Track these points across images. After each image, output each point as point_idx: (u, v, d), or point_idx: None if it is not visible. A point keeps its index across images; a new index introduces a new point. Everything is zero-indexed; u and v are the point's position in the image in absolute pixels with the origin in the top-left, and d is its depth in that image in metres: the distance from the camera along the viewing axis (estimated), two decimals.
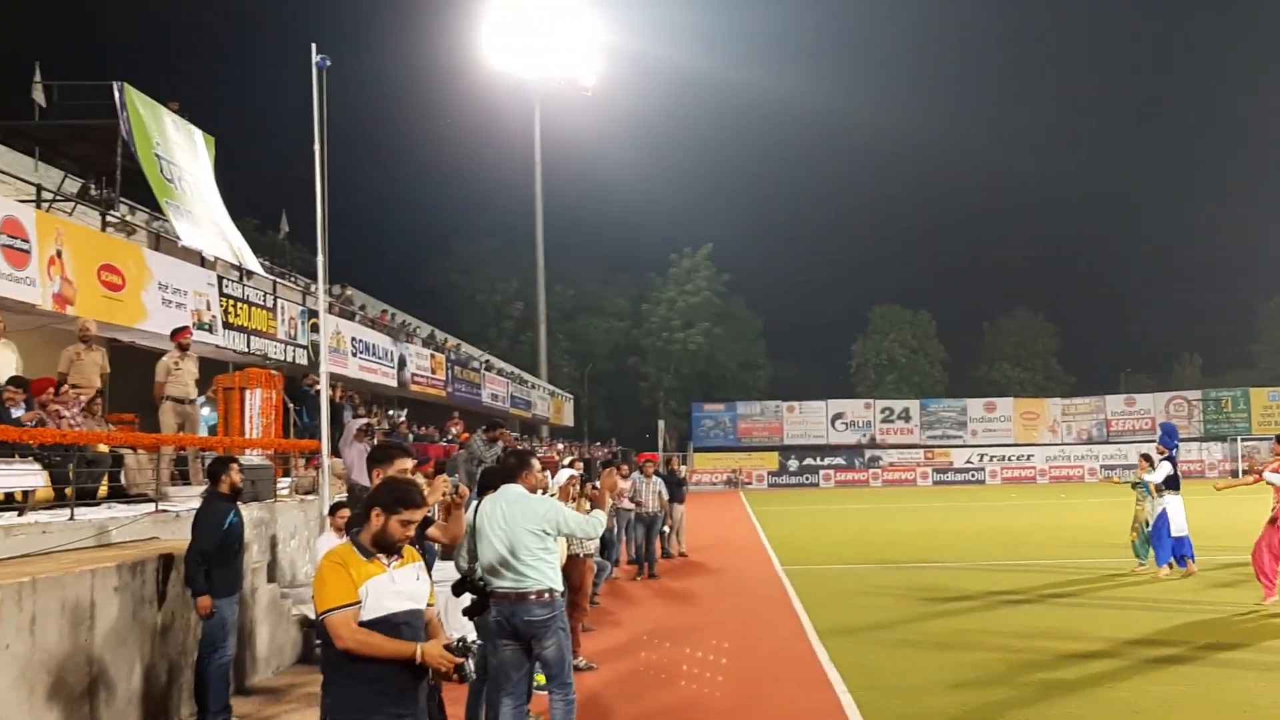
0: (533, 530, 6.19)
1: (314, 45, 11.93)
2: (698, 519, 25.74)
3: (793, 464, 62.12)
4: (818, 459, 62.55)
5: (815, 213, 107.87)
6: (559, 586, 6.30)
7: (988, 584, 14.97)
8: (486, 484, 7.76)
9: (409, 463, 5.41)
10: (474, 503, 6.81)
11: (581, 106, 58.66)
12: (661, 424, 61.50)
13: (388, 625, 4.20)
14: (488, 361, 45.15)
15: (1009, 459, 61.63)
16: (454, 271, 78.37)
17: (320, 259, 12.78)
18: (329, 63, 11.87)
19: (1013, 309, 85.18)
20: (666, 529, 19.03)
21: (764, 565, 18.60)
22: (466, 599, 6.36)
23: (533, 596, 6.12)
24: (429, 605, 4.48)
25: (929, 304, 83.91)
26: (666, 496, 18.30)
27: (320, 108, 11.83)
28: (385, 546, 4.29)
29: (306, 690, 9.21)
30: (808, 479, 60.98)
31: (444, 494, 5.50)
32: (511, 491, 6.42)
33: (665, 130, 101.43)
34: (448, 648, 4.17)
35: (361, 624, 4.16)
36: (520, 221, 63.80)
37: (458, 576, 6.58)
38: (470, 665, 4.19)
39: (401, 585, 4.30)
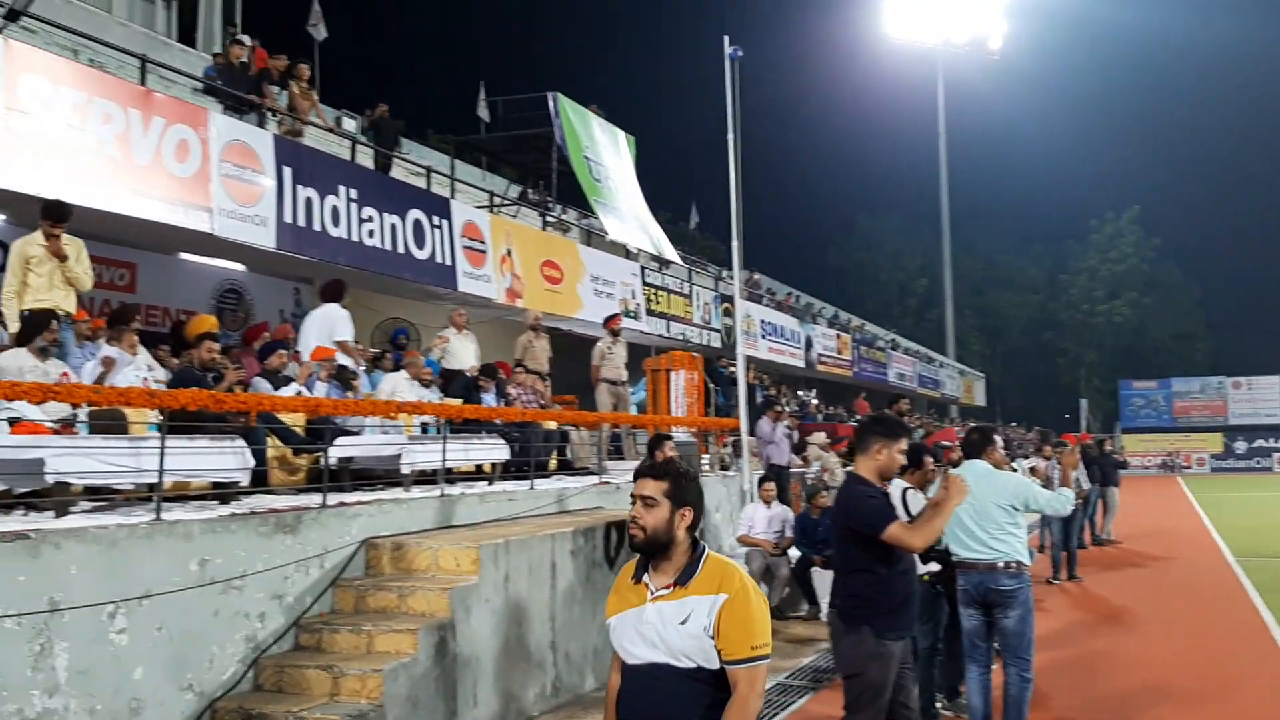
0: (1001, 505, 6.39)
1: (726, 38, 12.41)
2: (1129, 505, 23.82)
3: (1240, 446, 55.63)
4: (1271, 440, 55.52)
5: (1259, 166, 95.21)
6: (1026, 559, 6.42)
7: None
8: (909, 461, 7.76)
9: (905, 444, 4.91)
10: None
11: (987, 70, 56.11)
12: (1084, 403, 57.35)
13: (626, 676, 3.28)
14: (893, 340, 44.52)
15: None
16: (856, 250, 78.03)
17: (735, 245, 13.29)
18: (741, 53, 12.29)
19: None
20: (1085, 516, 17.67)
21: (1212, 555, 16.88)
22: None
23: (1000, 566, 6.30)
24: (733, 663, 3.10)
25: None
26: (1084, 483, 17.06)
27: (734, 99, 12.29)
28: (639, 547, 3.26)
29: None
30: (1259, 462, 54.34)
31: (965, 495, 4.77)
32: (978, 467, 6.62)
33: (1080, 88, 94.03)
34: None
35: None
36: (924, 195, 62.33)
37: None
38: None
39: (650, 627, 3.15)
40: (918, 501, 7.45)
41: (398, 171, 15.63)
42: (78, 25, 13.06)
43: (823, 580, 11.48)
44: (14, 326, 7.40)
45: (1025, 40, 60.57)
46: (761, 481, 11.53)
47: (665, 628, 3.12)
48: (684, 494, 3.24)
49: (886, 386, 35.66)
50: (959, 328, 59.76)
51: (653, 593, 3.19)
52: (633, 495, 3.25)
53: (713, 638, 3.08)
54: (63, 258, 7.57)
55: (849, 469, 5.01)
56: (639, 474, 3.29)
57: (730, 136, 12.71)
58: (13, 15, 9.42)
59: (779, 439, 14.05)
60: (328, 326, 10.35)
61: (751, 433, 13.54)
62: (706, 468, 13.63)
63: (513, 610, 7.49)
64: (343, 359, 10.04)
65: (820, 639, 10.42)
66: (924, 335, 61.50)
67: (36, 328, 6.91)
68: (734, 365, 15.83)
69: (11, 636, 5.00)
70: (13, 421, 6.14)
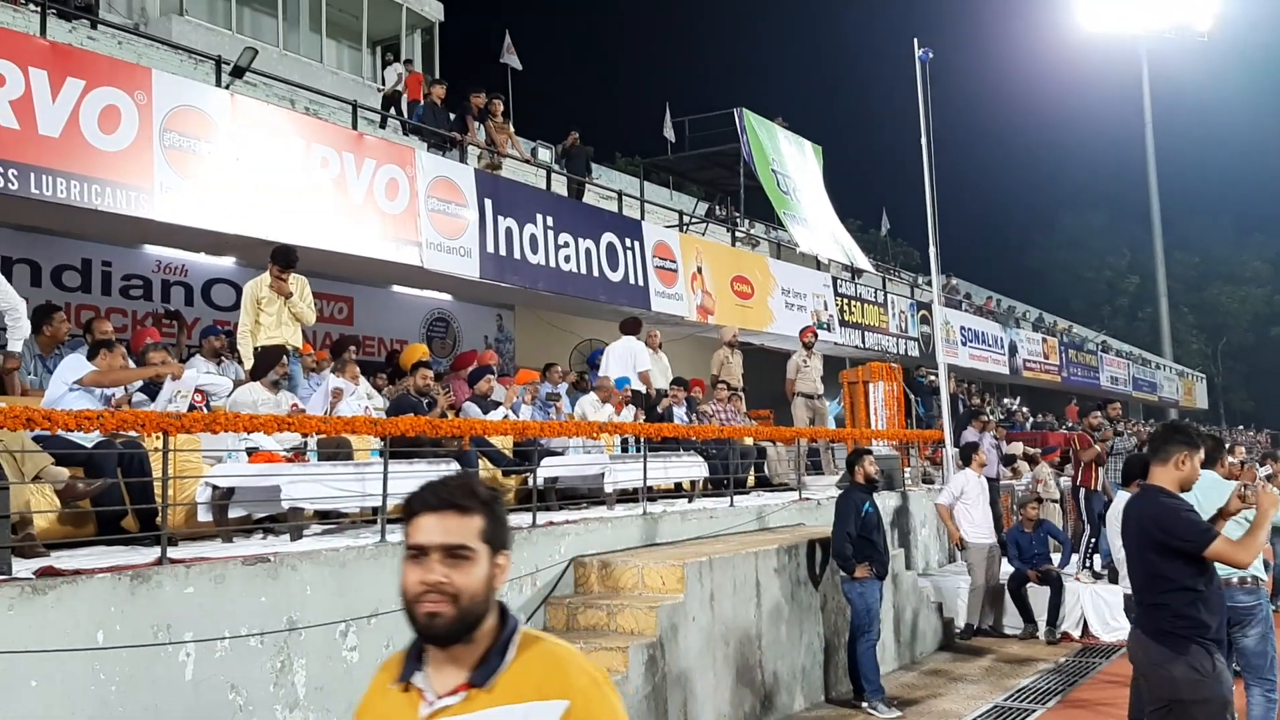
0: (1237, 519, 5.91)
1: (915, 40, 12.14)
2: None
3: None
4: None
5: None
6: (1263, 574, 6.06)
7: None
8: (1131, 474, 7.32)
9: (1203, 454, 4.69)
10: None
11: (1196, 54, 52.83)
12: None
13: None
14: (1104, 342, 42.30)
15: None
16: (1059, 250, 74.48)
17: (932, 250, 12.95)
18: (931, 55, 12.00)
19: None
20: None
21: None
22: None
23: (1235, 581, 5.91)
24: None
25: None
26: None
27: (925, 101, 12.00)
28: (443, 634, 1.93)
29: (951, 675, 9.37)
30: None
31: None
32: (1205, 477, 6.15)
33: None
34: None
35: None
36: (1130, 189, 59.10)
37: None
38: None
39: None
40: None
41: (589, 196, 16.00)
42: (293, 76, 14.02)
43: (1038, 597, 11.00)
44: (249, 363, 7.96)
45: (1237, 18, 56.50)
46: (974, 449, 11.52)
47: None
48: (504, 531, 2.01)
49: (1098, 391, 33.88)
50: (1175, 326, 56.29)
51: (431, 702, 1.94)
52: (416, 546, 1.92)
53: None
54: (288, 295, 8.09)
55: (1143, 481, 4.75)
56: (424, 505, 1.94)
57: (923, 140, 12.43)
58: (238, 72, 10.18)
59: (986, 449, 13.54)
60: (629, 357, 11.30)
61: (956, 444, 13.11)
62: (909, 482, 13.26)
63: (719, 628, 7.49)
64: (639, 385, 11.17)
65: (1038, 659, 9.97)
66: (1137, 336, 58.13)
67: (269, 363, 7.41)
68: (934, 374, 15.39)
69: (255, 654, 5.36)
70: (251, 451, 6.60)
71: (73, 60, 8.09)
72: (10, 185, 7.42)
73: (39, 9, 9.58)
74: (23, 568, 4.87)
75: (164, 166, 8.33)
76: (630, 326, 11.64)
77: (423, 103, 13.66)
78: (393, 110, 16.87)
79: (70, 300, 10.06)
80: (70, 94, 7.83)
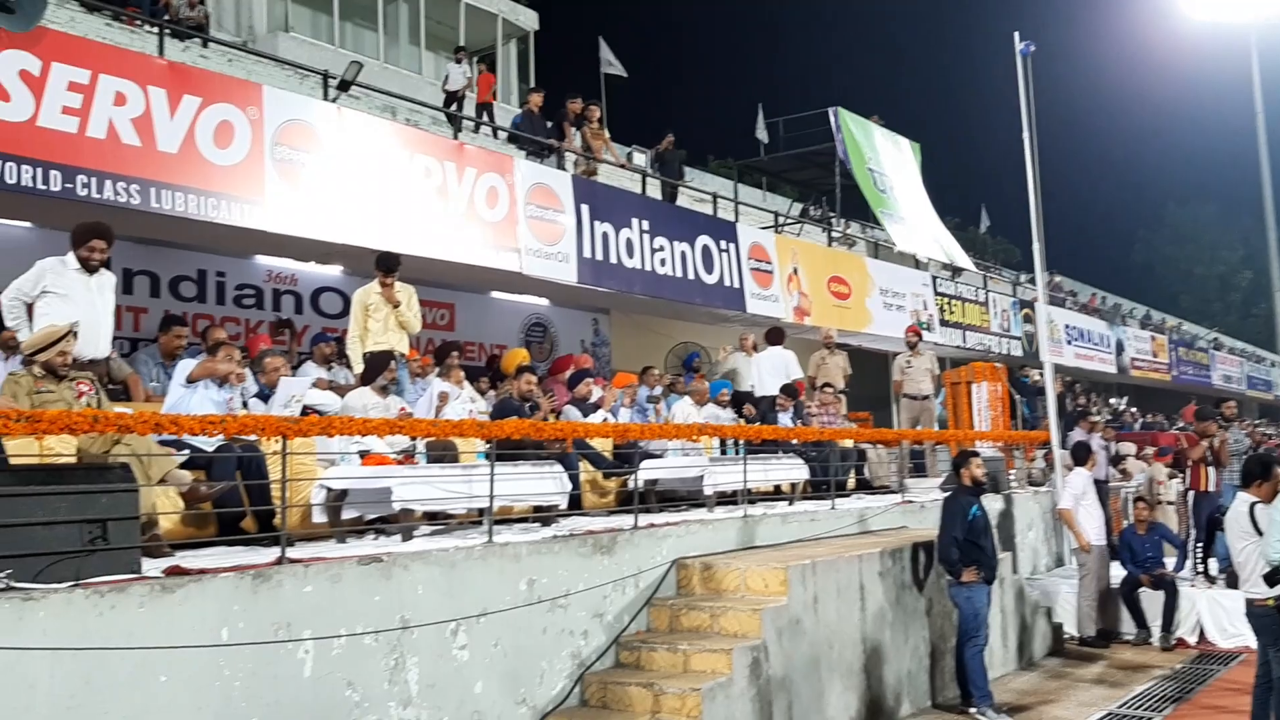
0: None
1: (1016, 34, 11.90)
2: None
3: None
4: None
5: None
6: None
7: None
8: (1250, 475, 7.05)
9: None
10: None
11: None
12: None
13: None
14: (1215, 339, 40.84)
15: None
16: (1167, 245, 72.12)
17: (1036, 247, 12.68)
18: (1033, 48, 11.75)
19: None
20: None
21: None
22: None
23: None
24: None
25: None
26: None
27: (1028, 95, 11.76)
28: None
29: (1063, 681, 9.16)
30: None
31: None
32: None
33: None
34: None
35: None
36: (1243, 180, 56.60)
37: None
38: None
39: None
40: (1266, 517, 6.77)
41: (683, 199, 16.03)
42: (393, 88, 14.33)
43: (1152, 602, 10.68)
44: (358, 368, 8.17)
45: None
46: (1088, 450, 11.32)
47: None
48: None
49: (1210, 390, 32.69)
50: None
51: None
52: None
53: None
54: (395, 304, 8.29)
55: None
56: None
57: (1025, 135, 12.16)
58: (344, 85, 10.44)
59: (1095, 451, 13.17)
60: (782, 366, 11.77)
61: (1063, 445, 12.78)
62: (1014, 484, 12.97)
63: (823, 632, 7.43)
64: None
65: (1153, 665, 9.68)
66: (1251, 332, 55.87)
67: (377, 368, 7.59)
68: (1039, 374, 15.04)
69: (370, 652, 5.49)
70: (363, 454, 6.76)
71: (189, 79, 8.41)
72: (132, 200, 7.75)
73: (156, 30, 9.97)
74: (151, 567, 5.06)
75: (275, 179, 8.61)
76: (775, 337, 11.94)
77: (519, 111, 13.85)
78: (453, 108, 16.86)
79: (187, 310, 10.43)
80: (187, 111, 8.15)
